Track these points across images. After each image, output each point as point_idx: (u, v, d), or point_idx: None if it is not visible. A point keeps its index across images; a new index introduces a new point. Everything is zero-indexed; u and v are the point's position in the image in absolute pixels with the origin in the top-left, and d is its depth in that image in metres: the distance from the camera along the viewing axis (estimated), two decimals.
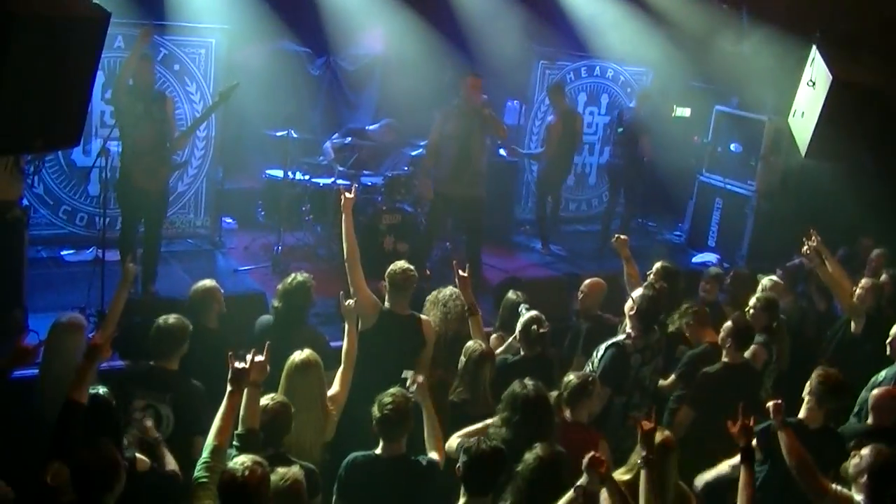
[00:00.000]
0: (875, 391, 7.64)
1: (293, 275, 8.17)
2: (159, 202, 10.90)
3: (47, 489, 5.53)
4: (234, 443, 5.96)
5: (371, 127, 13.84)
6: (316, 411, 6.87)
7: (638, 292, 8.26)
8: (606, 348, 8.08)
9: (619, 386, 7.87)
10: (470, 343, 7.50)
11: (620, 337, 8.20)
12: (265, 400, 6.27)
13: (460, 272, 8.10)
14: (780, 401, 6.83)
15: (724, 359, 8.08)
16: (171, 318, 7.18)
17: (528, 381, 6.60)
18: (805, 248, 9.60)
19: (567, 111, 14.57)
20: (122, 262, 10.79)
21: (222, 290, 8.22)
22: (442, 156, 12.21)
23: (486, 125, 12.13)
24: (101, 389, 6.23)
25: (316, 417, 6.86)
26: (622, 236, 9.50)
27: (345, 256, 8.07)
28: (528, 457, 5.82)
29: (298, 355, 6.89)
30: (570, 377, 7.09)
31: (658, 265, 9.59)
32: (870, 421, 7.53)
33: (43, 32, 7.17)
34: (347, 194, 8.30)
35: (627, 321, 8.25)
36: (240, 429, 6.05)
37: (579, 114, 15.32)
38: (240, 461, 5.35)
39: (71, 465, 5.46)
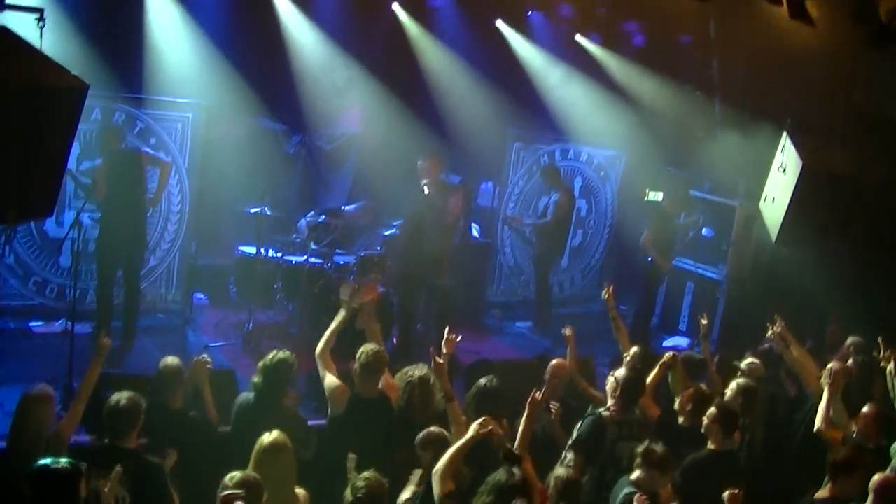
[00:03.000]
0: (877, 477, 7.67)
1: (274, 351, 8.10)
2: (138, 245, 11.58)
3: None
4: None
5: (348, 207, 13.84)
6: (285, 493, 6.78)
7: (620, 372, 8.36)
8: (585, 418, 8.19)
9: (592, 456, 7.86)
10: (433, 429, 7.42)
11: (601, 409, 8.26)
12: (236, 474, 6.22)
13: (436, 358, 8.03)
14: (737, 491, 7.00)
15: (711, 446, 8.06)
16: (124, 398, 7.06)
17: (515, 471, 6.54)
18: (770, 333, 9.68)
19: (567, 190, 14.76)
20: (97, 328, 10.93)
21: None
22: (416, 240, 12.25)
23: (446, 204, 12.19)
24: (62, 462, 6.13)
25: (285, 500, 6.77)
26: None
27: (322, 347, 8.11)
28: None
29: (268, 437, 6.80)
30: (559, 472, 7.04)
31: (635, 349, 9.63)
32: None
33: (20, 102, 7.18)
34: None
35: (609, 399, 8.33)
36: None
37: (574, 195, 15.48)
38: None
39: None
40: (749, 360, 9.82)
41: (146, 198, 11.61)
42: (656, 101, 14.86)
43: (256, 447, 6.76)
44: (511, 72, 15.45)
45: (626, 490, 7.08)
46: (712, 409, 8.13)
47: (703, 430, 8.14)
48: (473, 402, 8.24)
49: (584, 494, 7.45)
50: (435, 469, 6.74)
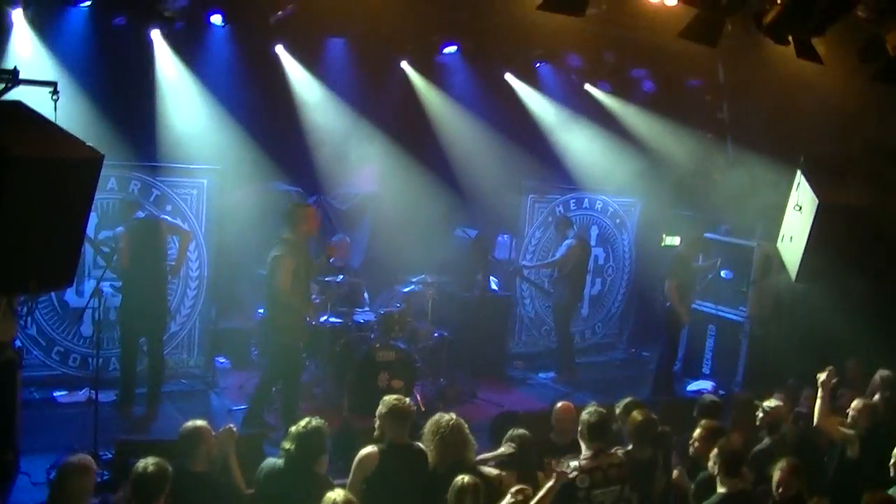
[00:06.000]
0: None
1: (308, 419, 7.98)
2: (160, 313, 11.67)
3: None
4: None
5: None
6: None
7: (584, 416, 8.24)
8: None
9: None
10: (457, 478, 7.30)
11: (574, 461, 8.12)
12: None
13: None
14: None
15: (721, 489, 7.95)
16: (151, 465, 7.03)
17: None
18: (824, 376, 9.48)
19: (581, 237, 14.82)
20: (121, 396, 11.04)
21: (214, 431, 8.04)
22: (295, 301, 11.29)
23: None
24: None
25: None
26: None
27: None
28: None
29: (336, 496, 6.75)
30: None
31: (626, 400, 9.49)
32: None
33: (37, 174, 7.23)
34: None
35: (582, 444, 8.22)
36: None
37: (590, 245, 15.50)
38: None
39: None
40: (771, 401, 9.71)
41: (167, 266, 11.68)
42: (668, 146, 14.89)
43: None
44: (522, 124, 15.53)
45: None
46: (714, 451, 8.08)
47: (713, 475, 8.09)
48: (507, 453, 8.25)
49: None
50: None
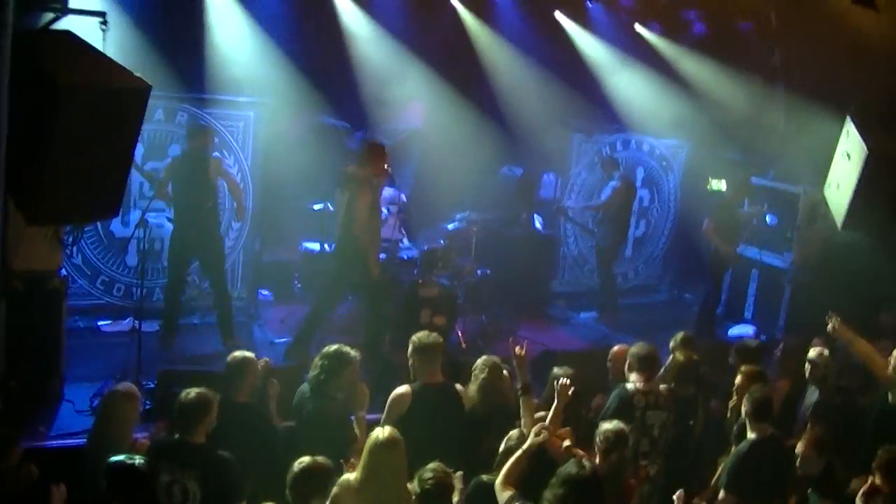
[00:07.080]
0: None
1: (338, 345, 8.05)
2: (216, 247, 11.67)
3: None
4: None
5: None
6: (398, 489, 6.70)
7: (634, 350, 8.48)
8: (612, 391, 8.31)
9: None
10: (514, 432, 7.22)
11: (625, 383, 8.33)
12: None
13: (517, 349, 7.88)
14: None
15: (751, 434, 7.97)
16: (193, 392, 7.10)
17: (585, 463, 6.50)
18: (830, 327, 9.47)
19: (626, 179, 14.76)
20: (164, 326, 11.12)
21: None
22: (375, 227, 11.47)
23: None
24: (138, 459, 6.23)
25: (398, 496, 6.71)
26: None
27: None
28: None
29: (382, 432, 6.78)
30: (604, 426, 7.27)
31: (680, 335, 9.57)
32: None
33: (86, 103, 7.27)
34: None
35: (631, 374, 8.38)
36: None
37: (635, 186, 15.43)
38: None
39: None
40: (817, 349, 9.64)
41: (216, 201, 11.66)
42: (718, 89, 14.73)
43: (371, 442, 6.73)
44: (571, 63, 15.39)
45: None
46: (745, 396, 8.07)
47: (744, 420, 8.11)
48: (549, 392, 8.29)
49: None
50: (497, 481, 6.70)
